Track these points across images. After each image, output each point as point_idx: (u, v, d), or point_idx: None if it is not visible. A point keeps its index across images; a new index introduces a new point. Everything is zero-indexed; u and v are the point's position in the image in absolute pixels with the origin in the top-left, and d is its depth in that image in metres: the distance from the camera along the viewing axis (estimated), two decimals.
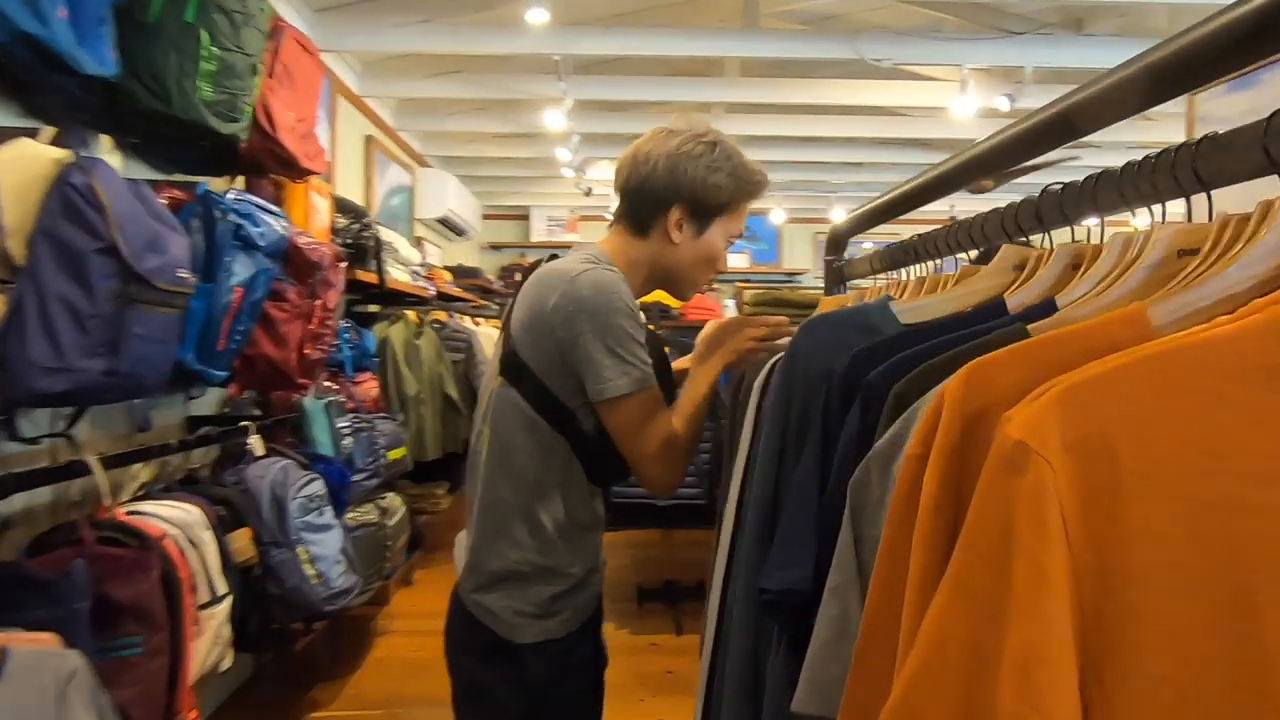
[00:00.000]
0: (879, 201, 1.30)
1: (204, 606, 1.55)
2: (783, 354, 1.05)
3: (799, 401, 0.74)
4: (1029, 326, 0.57)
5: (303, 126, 2.10)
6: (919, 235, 1.00)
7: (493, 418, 1.05)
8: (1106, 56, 3.24)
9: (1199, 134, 0.58)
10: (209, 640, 1.58)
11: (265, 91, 1.87)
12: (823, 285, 1.41)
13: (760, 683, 0.74)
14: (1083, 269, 0.62)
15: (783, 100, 3.86)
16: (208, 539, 1.61)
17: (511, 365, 1.04)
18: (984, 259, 0.94)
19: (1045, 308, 0.59)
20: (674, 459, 1.04)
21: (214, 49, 1.61)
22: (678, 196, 1.05)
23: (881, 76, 3.82)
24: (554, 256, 1.14)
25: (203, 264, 1.63)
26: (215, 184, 1.97)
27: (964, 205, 5.72)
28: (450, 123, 4.31)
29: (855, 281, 1.43)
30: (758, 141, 4.78)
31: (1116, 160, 0.65)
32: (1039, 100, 3.64)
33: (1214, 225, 0.50)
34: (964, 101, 3.34)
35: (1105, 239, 0.65)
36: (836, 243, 1.39)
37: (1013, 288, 0.68)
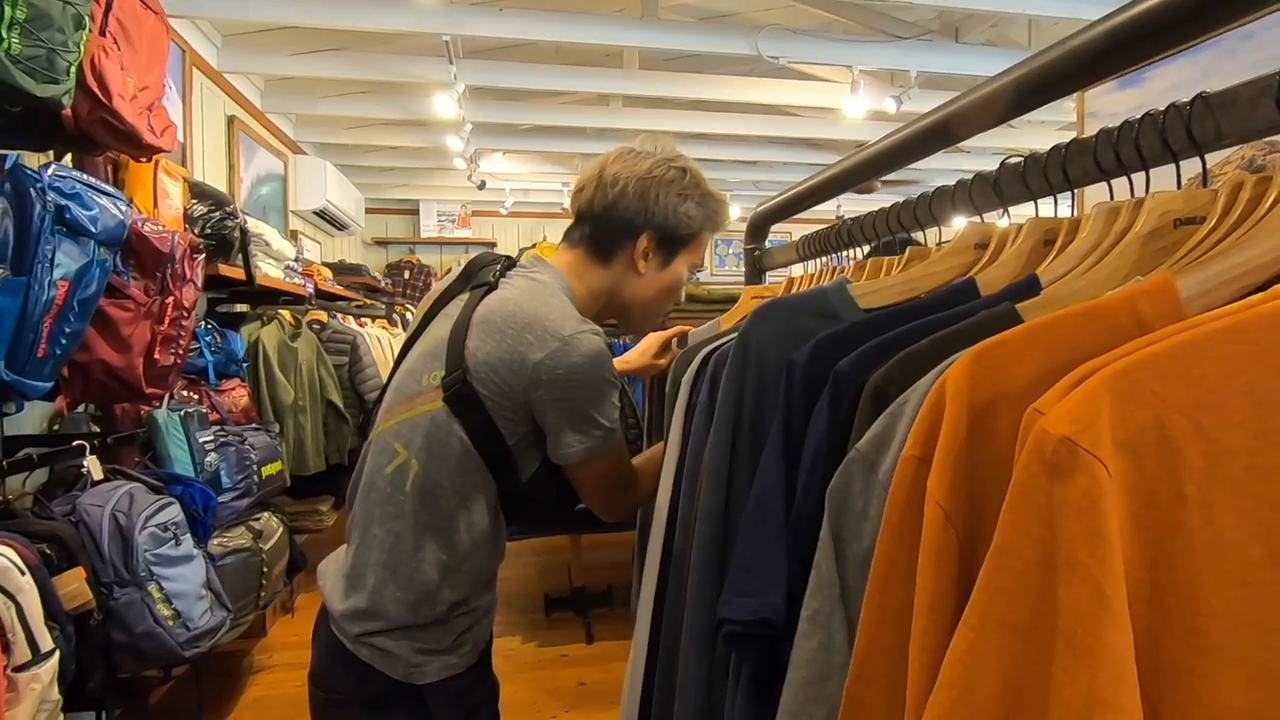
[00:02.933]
0: (795, 191, 1.25)
1: (21, 668, 1.28)
2: (712, 344, 0.97)
3: (752, 396, 0.65)
4: (1017, 307, 0.51)
5: (147, 95, 1.81)
6: (851, 219, 0.95)
7: (421, 446, 0.91)
8: (979, 64, 3.45)
9: (1089, 128, 0.55)
10: (30, 707, 1.30)
11: (95, 51, 1.58)
12: (721, 282, 1.36)
13: None
14: (1058, 244, 0.57)
15: (680, 95, 3.83)
16: (26, 585, 1.33)
17: (461, 396, 0.90)
18: (888, 250, 0.91)
19: (1028, 286, 0.54)
20: (634, 503, 1.08)
21: None
22: (647, 224, 0.98)
23: (775, 75, 3.88)
24: (509, 260, 1.01)
25: (13, 254, 1.35)
26: (31, 159, 1.65)
27: (850, 206, 5.98)
28: (327, 106, 3.96)
29: (773, 274, 1.38)
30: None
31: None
32: (923, 104, 3.82)
33: (1220, 191, 0.45)
34: (855, 102, 3.44)
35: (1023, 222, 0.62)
36: (757, 230, 1.33)
37: (978, 267, 0.63)
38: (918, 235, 0.86)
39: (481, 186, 5.01)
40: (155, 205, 2.13)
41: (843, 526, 0.50)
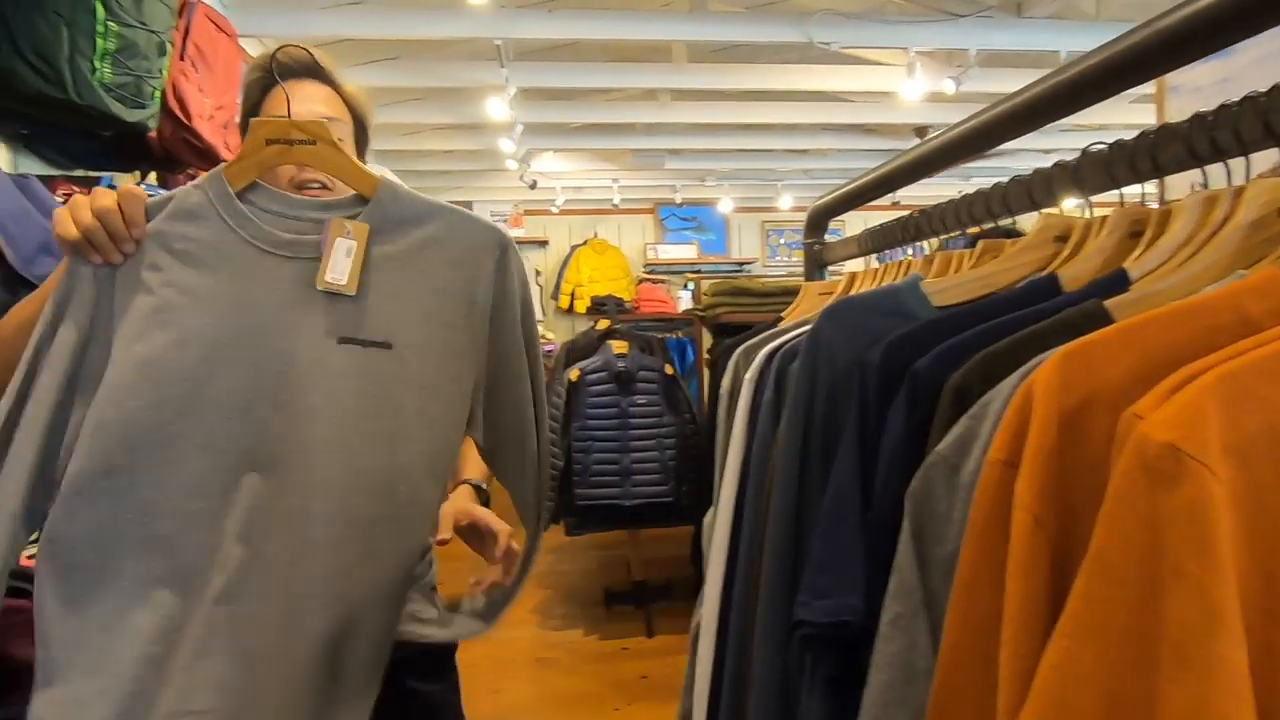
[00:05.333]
0: (861, 181, 1.23)
1: None
2: (778, 342, 0.97)
3: (824, 396, 0.65)
4: (1105, 304, 0.49)
5: (222, 115, 1.91)
6: (919, 212, 0.93)
7: None
8: (1045, 40, 3.30)
9: (1170, 102, 0.52)
10: None
11: (176, 75, 1.68)
12: (773, 274, 1.34)
13: None
14: (1147, 236, 0.54)
15: (729, 86, 3.79)
16: None
17: None
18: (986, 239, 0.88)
19: (1116, 281, 0.52)
20: None
21: (112, 24, 1.42)
22: None
23: (827, 61, 3.80)
24: None
25: None
26: (123, 179, 1.77)
27: (907, 194, 5.80)
28: (384, 113, 4.08)
29: (834, 268, 1.36)
30: (704, 129, 4.71)
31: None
32: (984, 83, 3.66)
33: None
34: (912, 85, 3.34)
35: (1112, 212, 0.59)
36: (816, 223, 1.31)
37: (1058, 261, 0.61)
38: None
39: (533, 186, 5.08)
40: None
41: (924, 529, 0.49)
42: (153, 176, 1.90)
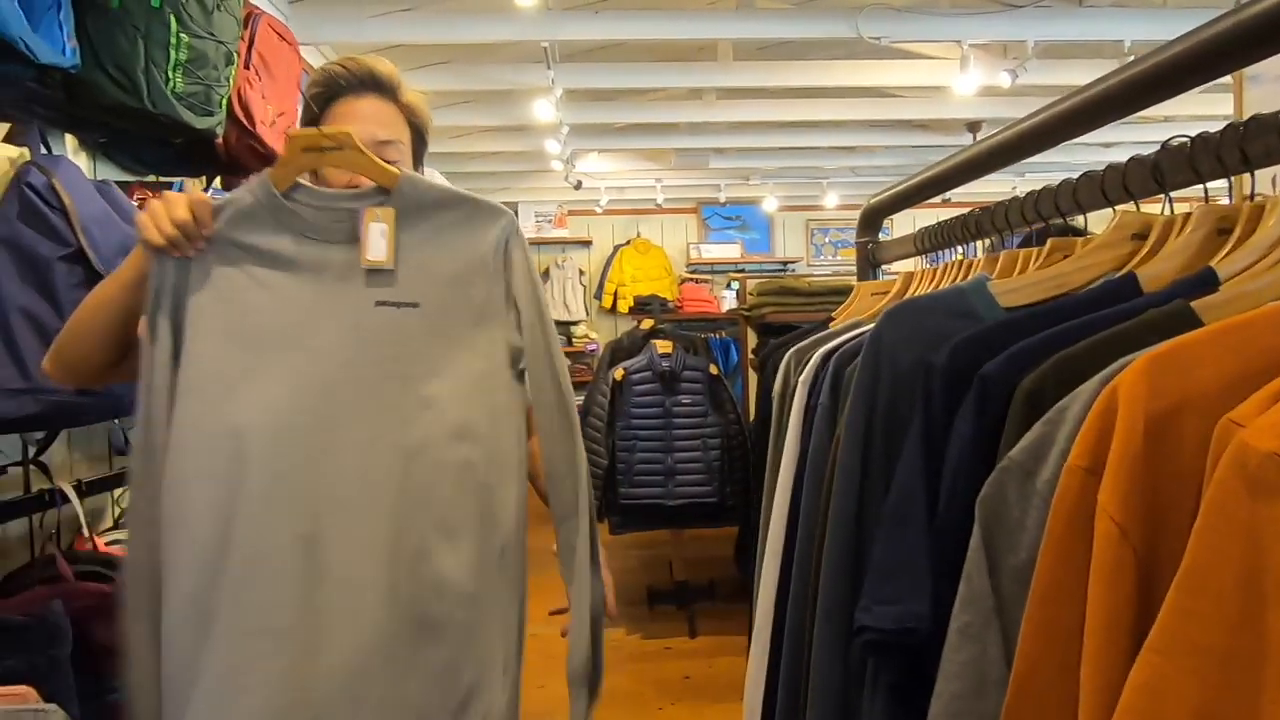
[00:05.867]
0: (913, 180, 1.20)
1: None
2: (834, 343, 0.95)
3: (885, 400, 0.64)
4: (1192, 305, 0.47)
5: (283, 121, 1.98)
6: (981, 209, 0.91)
7: None
8: (1109, 29, 3.17)
9: (1248, 91, 0.49)
10: None
11: (242, 83, 1.74)
12: (818, 273, 1.32)
13: None
14: (1236, 234, 0.52)
15: (775, 84, 3.75)
16: None
17: None
18: (1035, 242, 0.86)
19: (1202, 281, 0.49)
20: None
21: (184, 35, 1.48)
22: None
23: (876, 56, 3.73)
24: None
25: None
26: (192, 184, 1.84)
27: (958, 191, 5.65)
28: (436, 117, 4.14)
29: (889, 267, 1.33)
30: (749, 128, 4.67)
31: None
32: (1042, 76, 3.51)
33: None
34: (965, 79, 3.25)
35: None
36: (870, 222, 1.29)
37: (1136, 260, 0.59)
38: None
39: (578, 186, 5.12)
40: None
41: (996, 537, 0.48)
42: (218, 180, 1.98)
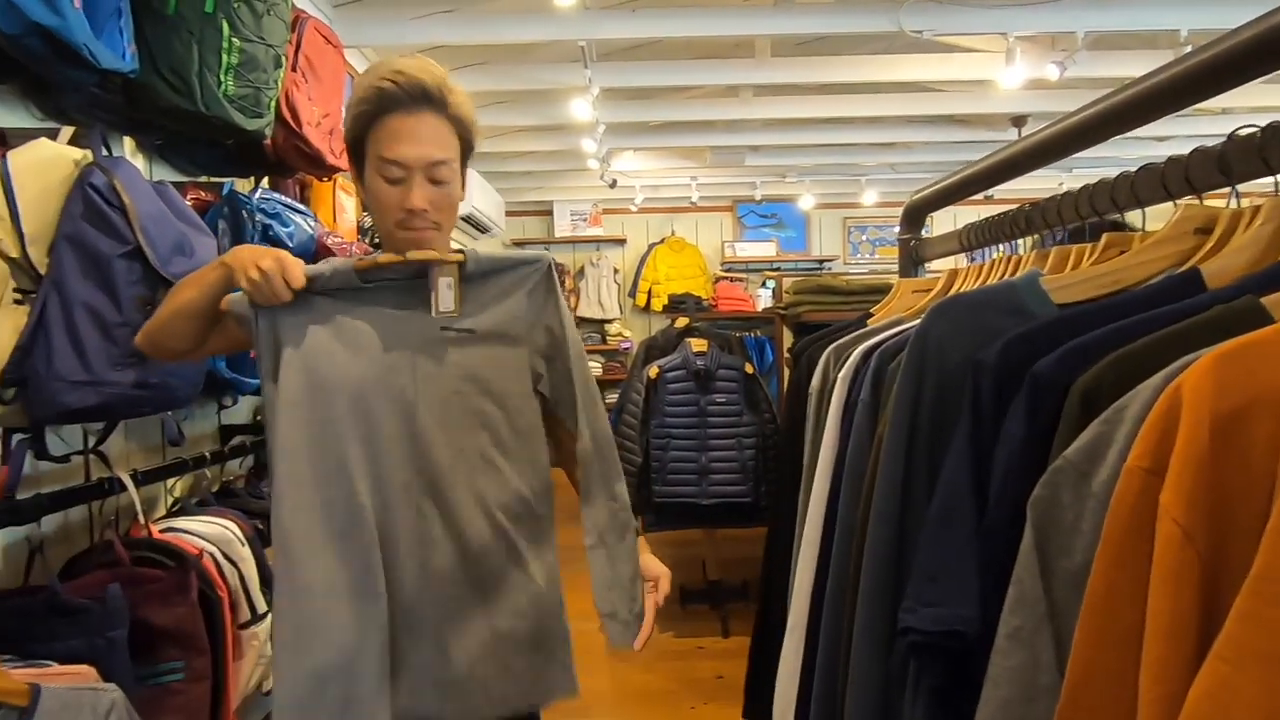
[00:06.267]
0: (959, 176, 1.18)
1: (244, 626, 1.48)
2: (875, 340, 0.94)
3: (931, 398, 0.63)
4: (1262, 301, 0.45)
5: (328, 122, 2.02)
6: (1032, 205, 0.88)
7: None
8: (1163, 17, 3.05)
9: None
10: (250, 661, 1.51)
11: (289, 85, 1.79)
12: (855, 272, 1.29)
13: None
14: None
15: (815, 80, 3.70)
16: (246, 554, 1.53)
17: None
18: (1078, 237, 0.83)
19: (1273, 277, 0.47)
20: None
21: (236, 40, 1.53)
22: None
23: (918, 50, 3.66)
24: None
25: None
26: (241, 184, 1.90)
27: (1002, 188, 5.51)
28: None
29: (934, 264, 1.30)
30: (786, 125, 4.63)
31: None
32: (1091, 68, 3.38)
33: None
34: (1010, 72, 3.16)
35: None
36: (913, 218, 1.26)
37: (1200, 255, 0.56)
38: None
39: (613, 185, 5.13)
40: (334, 219, 2.37)
41: (1049, 539, 0.47)
42: (266, 181, 2.04)
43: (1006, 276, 0.86)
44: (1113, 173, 0.76)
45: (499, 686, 0.95)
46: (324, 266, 0.96)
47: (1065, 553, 0.46)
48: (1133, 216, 0.76)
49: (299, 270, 0.94)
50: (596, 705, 2.43)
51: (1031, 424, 0.52)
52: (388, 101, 0.93)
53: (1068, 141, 0.88)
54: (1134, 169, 0.71)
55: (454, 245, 1.01)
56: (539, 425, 1.01)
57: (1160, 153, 0.68)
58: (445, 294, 0.93)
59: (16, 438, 1.22)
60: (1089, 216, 0.76)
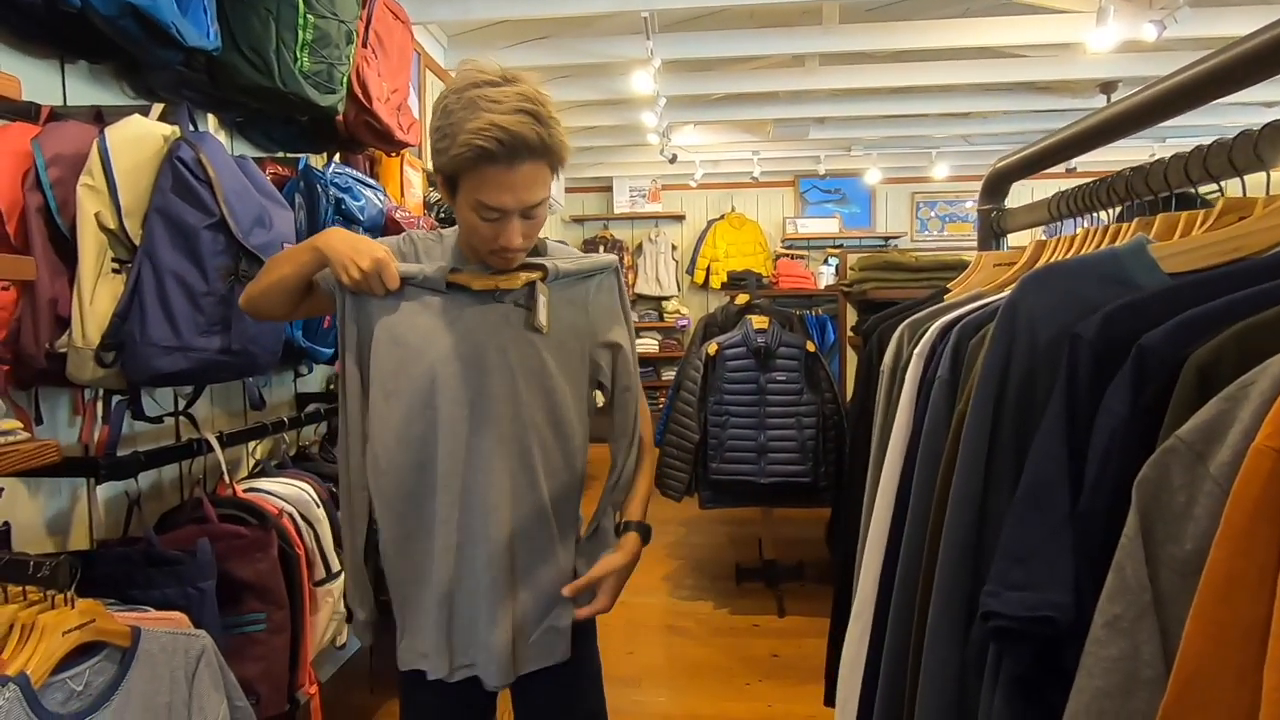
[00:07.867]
0: (1044, 143, 1.10)
1: (320, 583, 1.56)
2: (955, 314, 0.90)
3: (1020, 373, 0.59)
4: None
5: (397, 98, 2.06)
6: (1131, 170, 0.82)
7: None
8: None
9: None
10: (325, 616, 1.59)
11: (360, 61, 1.82)
12: (923, 249, 1.23)
13: None
14: None
15: (887, 47, 3.55)
16: (321, 515, 1.61)
17: None
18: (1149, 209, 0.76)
19: None
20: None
21: (310, 16, 1.56)
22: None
23: (997, 13, 3.45)
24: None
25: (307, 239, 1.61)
26: (315, 159, 1.96)
27: (1086, 158, 5.18)
28: None
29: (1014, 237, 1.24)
30: (853, 95, 4.46)
31: None
32: (1194, 27, 3.13)
33: None
34: (1102, 34, 2.95)
35: None
36: (994, 188, 1.20)
37: None
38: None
39: (673, 160, 5.07)
40: (402, 193, 2.42)
41: (1156, 525, 0.43)
42: (338, 156, 2.10)
43: (1104, 247, 0.80)
44: (1208, 141, 0.70)
45: (522, 650, 1.06)
46: (415, 270, 1.03)
47: (1174, 539, 0.43)
48: (1231, 188, 0.70)
49: (394, 272, 1.01)
50: (649, 678, 2.46)
51: (1137, 401, 0.48)
52: (488, 157, 0.91)
53: (1166, 105, 0.81)
54: (1261, 127, 0.65)
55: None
56: (585, 415, 1.10)
57: (1265, 120, 0.62)
58: (542, 309, 1.04)
59: (116, 399, 1.31)
60: (1183, 185, 0.70)
